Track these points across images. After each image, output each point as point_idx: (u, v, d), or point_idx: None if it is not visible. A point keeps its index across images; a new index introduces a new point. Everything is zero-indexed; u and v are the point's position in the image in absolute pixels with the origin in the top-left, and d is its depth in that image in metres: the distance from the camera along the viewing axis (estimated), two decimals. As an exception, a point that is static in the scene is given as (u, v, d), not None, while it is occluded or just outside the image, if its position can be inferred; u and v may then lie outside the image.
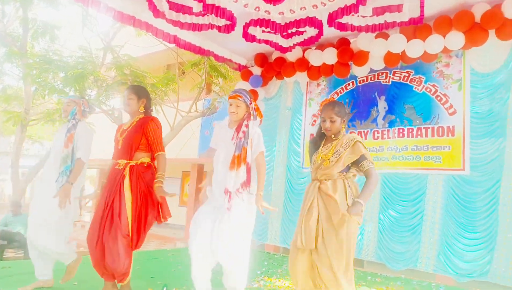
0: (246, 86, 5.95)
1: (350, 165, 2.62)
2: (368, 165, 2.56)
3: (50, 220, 3.01)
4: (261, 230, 6.31)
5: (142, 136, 2.91)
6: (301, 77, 5.70)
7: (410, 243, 4.72)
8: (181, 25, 4.08)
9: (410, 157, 4.90)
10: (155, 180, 2.85)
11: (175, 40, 4.88)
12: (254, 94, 5.93)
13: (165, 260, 4.55)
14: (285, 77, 5.80)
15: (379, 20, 4.16)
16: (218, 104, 7.25)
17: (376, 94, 5.33)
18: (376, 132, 5.23)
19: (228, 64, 5.99)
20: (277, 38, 4.71)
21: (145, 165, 2.89)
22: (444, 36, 4.34)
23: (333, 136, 2.70)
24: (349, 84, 5.58)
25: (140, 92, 3.06)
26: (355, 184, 2.65)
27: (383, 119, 5.21)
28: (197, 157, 8.88)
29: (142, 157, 2.91)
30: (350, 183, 2.61)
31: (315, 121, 5.87)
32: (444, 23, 4.30)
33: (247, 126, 2.70)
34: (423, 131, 4.86)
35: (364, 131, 5.36)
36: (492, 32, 4.14)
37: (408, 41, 4.53)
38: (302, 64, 5.48)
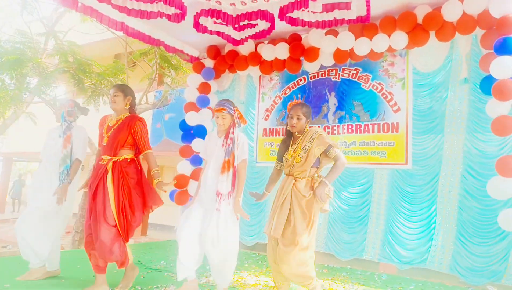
0: (198, 78, 5.83)
1: (319, 157, 2.90)
2: (335, 151, 2.86)
3: (45, 217, 3.26)
4: (254, 230, 6.24)
5: (129, 135, 3.08)
6: (254, 71, 5.69)
7: (357, 233, 4.92)
8: (128, 11, 3.90)
9: (358, 152, 5.08)
10: (153, 178, 3.10)
11: (123, 28, 4.66)
12: (206, 87, 5.83)
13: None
14: (238, 71, 5.76)
15: (328, 16, 4.24)
16: (169, 96, 7.06)
17: (326, 90, 5.46)
18: (327, 128, 5.36)
19: (179, 55, 5.83)
20: (229, 30, 4.65)
21: (128, 160, 3.07)
22: (389, 36, 4.51)
23: (297, 133, 2.98)
24: (300, 80, 5.66)
25: (126, 90, 3.22)
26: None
27: (333, 115, 5.35)
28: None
29: (126, 154, 3.08)
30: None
31: (268, 116, 5.90)
32: (389, 23, 4.47)
33: (233, 133, 3.02)
34: (370, 127, 5.05)
35: (316, 127, 5.46)
36: (432, 34, 4.37)
37: (356, 39, 4.66)
38: (255, 58, 5.46)
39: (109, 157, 3.04)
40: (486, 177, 4.08)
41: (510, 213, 3.63)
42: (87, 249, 2.98)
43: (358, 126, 5.14)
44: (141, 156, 3.20)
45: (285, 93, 5.78)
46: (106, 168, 2.99)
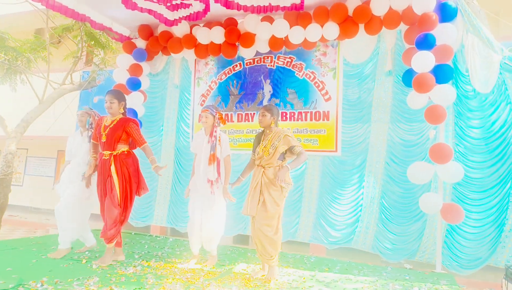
0: (129, 59, 5.51)
1: (284, 154, 3.47)
2: (298, 149, 3.42)
3: (80, 202, 3.94)
4: (146, 211, 6.05)
5: (123, 133, 3.70)
6: (189, 54, 5.52)
7: (291, 217, 5.07)
8: (46, -20, 3.53)
9: (292, 139, 5.18)
10: (152, 164, 3.70)
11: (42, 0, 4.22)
12: (138, 68, 5.53)
13: (27, 250, 4.02)
14: (172, 53, 5.54)
15: (264, 2, 4.23)
16: (98, 77, 6.60)
17: (262, 77, 5.46)
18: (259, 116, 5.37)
19: (108, 33, 5.44)
20: (161, 9, 4.45)
21: (126, 153, 3.72)
22: (322, 26, 4.62)
23: (268, 131, 3.52)
24: (236, 66, 5.60)
25: (120, 97, 3.79)
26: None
27: (268, 102, 5.38)
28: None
29: (122, 147, 3.71)
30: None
31: (203, 101, 5.78)
32: (322, 14, 4.57)
33: (216, 131, 3.77)
34: (303, 115, 5.17)
35: (251, 114, 5.47)
36: (362, 26, 4.55)
37: (291, 27, 4.71)
38: (190, 40, 5.29)
39: (110, 152, 3.66)
40: (406, 164, 4.41)
41: (430, 197, 3.95)
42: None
43: (292, 114, 5.24)
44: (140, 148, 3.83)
45: (221, 79, 5.69)
46: (110, 161, 3.62)
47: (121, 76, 5.48)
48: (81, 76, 6.99)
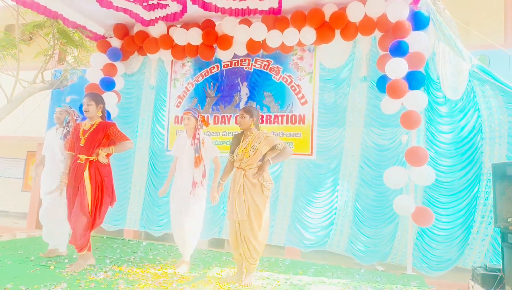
0: (103, 58, 5.39)
1: (265, 154, 3.38)
2: (282, 145, 3.37)
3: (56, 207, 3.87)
4: (119, 214, 5.91)
5: (104, 138, 3.58)
6: (166, 55, 5.44)
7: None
8: (15, -25, 3.40)
9: (268, 142, 5.18)
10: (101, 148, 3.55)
11: (11, -6, 4.07)
12: (112, 68, 5.41)
13: (-10, 255, 3.84)
14: (148, 54, 5.45)
15: (242, 5, 4.23)
16: (71, 76, 6.41)
17: (239, 79, 5.45)
18: (239, 117, 5.35)
19: (81, 31, 5.30)
20: (137, 9, 4.38)
21: (104, 164, 3.56)
22: (299, 30, 4.66)
23: (248, 133, 3.44)
24: (214, 68, 5.57)
25: (98, 99, 3.69)
26: (267, 171, 3.41)
27: (245, 104, 5.37)
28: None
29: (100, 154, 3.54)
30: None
31: (180, 102, 5.71)
32: (299, 18, 4.61)
33: (198, 134, 3.75)
34: (279, 118, 5.19)
35: (227, 116, 5.44)
36: (338, 32, 4.62)
37: (268, 30, 4.73)
38: (166, 41, 5.23)
39: (86, 157, 3.50)
40: (380, 168, 4.50)
41: (403, 199, 4.04)
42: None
43: (268, 117, 5.25)
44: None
45: (197, 80, 5.64)
46: (84, 167, 3.48)
47: (95, 76, 5.34)
48: (53, 75, 6.77)
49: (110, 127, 3.63)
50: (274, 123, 5.21)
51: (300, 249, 4.93)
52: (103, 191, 3.56)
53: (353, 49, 4.90)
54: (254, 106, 3.62)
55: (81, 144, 3.55)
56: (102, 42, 5.42)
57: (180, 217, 3.68)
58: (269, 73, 5.31)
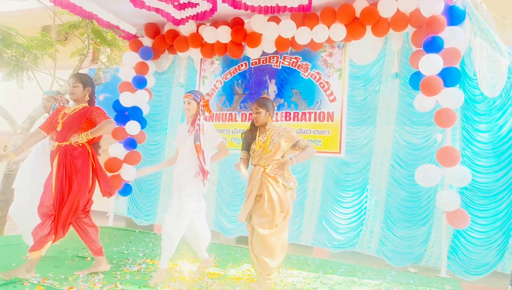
0: (135, 57, 5.52)
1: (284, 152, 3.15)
2: (304, 143, 3.14)
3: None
4: (149, 210, 6.06)
5: (83, 123, 3.09)
6: (195, 53, 5.51)
7: (294, 219, 5.01)
8: (54, -22, 3.54)
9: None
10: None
11: (49, -4, 4.24)
12: (144, 67, 5.54)
13: (31, 246, 4.03)
14: (178, 52, 5.54)
15: (271, 2, 4.22)
16: (104, 75, 6.62)
17: (267, 77, 5.45)
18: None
19: (114, 31, 5.46)
20: (168, 8, 4.45)
21: (75, 145, 3.04)
22: (329, 27, 4.60)
23: (266, 127, 3.20)
24: (242, 65, 5.60)
25: (86, 81, 3.24)
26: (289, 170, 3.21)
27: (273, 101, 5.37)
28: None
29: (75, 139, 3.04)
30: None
31: (208, 100, 5.76)
32: (329, 15, 4.55)
33: (199, 119, 3.26)
34: (307, 115, 5.16)
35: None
36: (369, 28, 4.53)
37: (297, 27, 4.70)
38: (196, 39, 5.29)
39: (58, 143, 3.07)
40: (412, 167, 4.38)
41: (448, 194, 3.87)
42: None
43: (296, 114, 5.23)
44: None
45: (226, 78, 5.69)
46: (55, 153, 3.05)
47: (127, 74, 5.48)
48: (88, 74, 7.01)
49: (93, 111, 3.13)
50: (301, 120, 5.18)
51: (329, 249, 4.87)
52: (71, 181, 2.99)
53: (384, 45, 4.79)
54: (267, 96, 3.28)
55: (58, 129, 3.11)
56: (134, 41, 5.55)
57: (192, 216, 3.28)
58: (297, 70, 5.28)
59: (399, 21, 4.33)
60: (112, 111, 5.61)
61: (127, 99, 5.36)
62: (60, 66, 6.70)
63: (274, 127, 3.18)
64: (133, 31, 5.65)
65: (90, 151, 3.13)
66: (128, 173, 5.26)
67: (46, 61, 6.54)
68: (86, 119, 3.09)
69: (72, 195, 2.98)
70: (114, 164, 5.15)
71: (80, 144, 3.05)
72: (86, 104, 3.21)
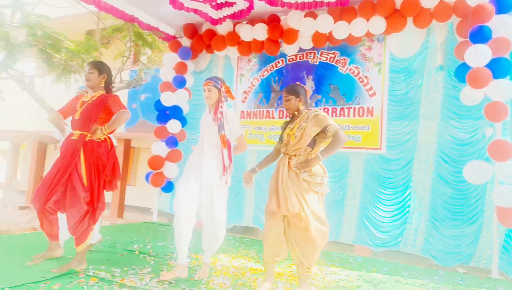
0: (174, 57, 5.68)
1: (316, 138, 2.84)
2: (333, 128, 2.75)
3: None
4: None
5: (102, 111, 3.07)
6: (232, 52, 5.59)
7: (333, 217, 4.98)
8: (100, -16, 3.71)
9: (333, 136, 5.10)
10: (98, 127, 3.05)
11: (94, 1, 4.45)
12: (183, 67, 5.69)
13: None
14: (215, 51, 5.63)
15: (308, -2, 4.19)
16: (145, 76, 6.85)
17: (304, 73, 5.43)
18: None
19: (155, 33, 5.64)
20: (206, 8, 4.54)
21: (98, 141, 3.06)
22: (367, 20, 4.50)
23: (296, 113, 2.95)
24: (278, 62, 5.60)
25: (101, 67, 3.19)
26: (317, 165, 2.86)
27: (310, 98, 5.34)
28: (124, 131, 8.41)
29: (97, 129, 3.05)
30: None
31: (245, 98, 5.84)
32: (368, 8, 4.45)
33: (222, 107, 3.03)
34: (346, 111, 5.08)
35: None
36: (410, 20, 4.39)
37: (335, 22, 4.63)
38: (233, 38, 5.36)
39: (80, 132, 3.03)
40: (459, 163, 4.21)
41: (506, 190, 3.63)
42: (41, 215, 3.08)
43: (334, 110, 5.17)
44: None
45: (263, 75, 5.72)
46: (78, 148, 3.00)
47: (167, 74, 5.65)
48: (130, 75, 7.29)
49: (110, 99, 3.10)
50: (340, 116, 5.11)
51: (371, 248, 4.78)
52: (100, 175, 3.05)
53: (426, 37, 4.62)
54: (298, 84, 3.03)
55: (76, 118, 3.08)
56: (174, 42, 5.71)
57: (207, 209, 3.12)
58: (335, 65, 5.21)
59: (443, 11, 4.16)
60: (153, 111, 5.82)
61: (168, 99, 5.53)
62: (104, 69, 7.01)
63: (304, 112, 2.91)
64: (172, 32, 5.81)
65: (109, 142, 3.14)
66: (170, 170, 5.44)
67: (91, 64, 6.87)
68: (104, 108, 3.07)
69: (101, 188, 3.09)
70: (157, 162, 5.35)
71: (102, 139, 3.08)
72: (103, 92, 3.18)
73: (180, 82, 5.62)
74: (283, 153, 2.94)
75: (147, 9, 5.09)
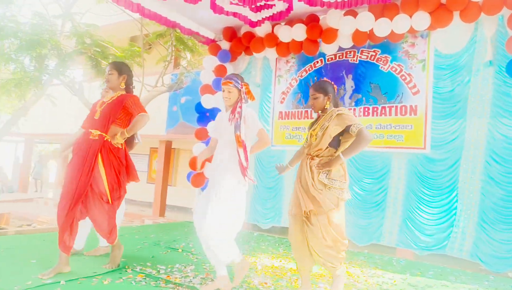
0: (214, 60, 5.80)
1: (340, 138, 2.69)
2: (356, 128, 2.60)
3: None
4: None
5: (121, 111, 3.05)
6: (270, 53, 5.62)
7: (374, 219, 4.88)
8: (145, -8, 3.87)
9: (374, 136, 4.98)
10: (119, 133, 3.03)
11: (139, 9, 4.65)
12: (223, 69, 5.80)
13: (130, 237, 4.47)
14: (254, 53, 5.69)
15: (348, -4, 4.13)
16: (185, 79, 7.05)
17: (343, 72, 5.35)
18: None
19: (195, 37, 5.79)
20: (245, 11, 4.60)
21: (116, 146, 3.07)
22: (410, 16, 4.37)
23: (320, 112, 2.81)
24: (317, 62, 5.56)
25: (121, 68, 3.19)
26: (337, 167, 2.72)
27: (350, 98, 5.26)
28: (165, 133, 8.69)
29: (115, 131, 3.05)
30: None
31: (284, 98, 5.84)
32: (411, 3, 4.32)
33: (240, 107, 2.83)
34: (387, 109, 4.95)
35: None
36: (456, 14, 4.21)
37: (376, 20, 4.53)
38: (271, 39, 5.38)
39: (99, 133, 3.01)
40: (510, 163, 3.98)
41: None
42: (65, 227, 2.89)
43: (375, 109, 5.05)
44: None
45: (301, 76, 5.70)
46: (96, 149, 2.97)
47: (207, 77, 5.78)
48: (171, 79, 7.53)
49: (128, 99, 3.08)
50: (381, 115, 4.99)
51: (415, 251, 4.62)
52: (120, 176, 3.09)
53: (474, 31, 4.41)
54: (326, 80, 2.86)
55: (96, 117, 3.06)
56: (213, 46, 5.83)
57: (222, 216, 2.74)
58: (376, 63, 5.09)
59: (493, 3, 3.97)
60: (193, 113, 5.97)
61: (208, 101, 5.65)
62: (146, 73, 7.29)
63: (329, 112, 2.75)
64: (211, 36, 5.94)
65: (124, 145, 3.15)
66: (210, 171, 5.54)
67: (135, 69, 7.17)
68: (123, 108, 3.06)
69: (121, 194, 3.13)
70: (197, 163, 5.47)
71: (121, 145, 3.09)
72: (123, 92, 3.17)
73: (219, 85, 5.71)
74: (306, 154, 2.83)
75: (188, 14, 5.24)
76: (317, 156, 2.71)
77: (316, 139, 2.70)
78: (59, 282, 2.68)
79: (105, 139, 3.00)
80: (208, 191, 2.86)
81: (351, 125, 2.61)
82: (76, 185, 2.90)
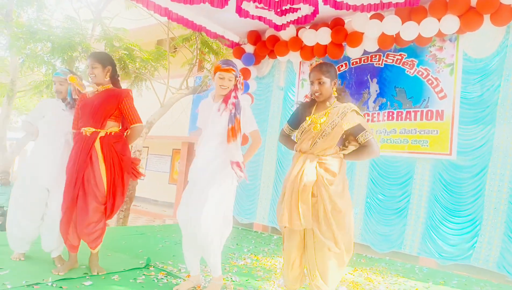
0: (239, 64, 5.86)
1: (343, 136, 2.37)
2: (367, 137, 2.30)
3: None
4: (250, 209, 6.35)
5: (116, 109, 2.83)
6: (294, 56, 5.63)
7: (395, 226, 4.79)
8: (173, -3, 3.97)
9: (398, 141, 4.92)
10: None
11: (167, 13, 4.76)
12: (246, 72, 5.85)
13: (152, 236, 4.57)
14: (278, 56, 5.72)
15: (374, 0, 4.10)
16: (209, 82, 7.15)
17: (368, 76, 5.29)
18: (366, 115, 5.22)
19: (220, 40, 5.88)
20: (270, 15, 4.64)
21: (115, 135, 2.85)
22: (439, 20, 4.29)
23: (327, 103, 2.40)
24: (342, 66, 5.53)
25: (104, 60, 2.88)
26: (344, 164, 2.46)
27: (374, 102, 5.20)
28: (188, 135, 8.83)
29: (112, 126, 2.86)
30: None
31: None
32: (439, 6, 4.24)
33: (236, 97, 2.55)
34: (412, 114, 4.87)
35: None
36: (487, 17, 4.11)
37: (402, 23, 4.48)
38: (296, 43, 5.40)
39: (94, 130, 2.79)
40: (540, 172, 3.84)
41: None
42: (64, 235, 2.79)
43: (400, 113, 4.97)
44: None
45: (325, 80, 5.67)
46: (94, 145, 2.76)
47: (231, 80, 5.84)
48: (195, 81, 7.65)
49: (124, 99, 2.84)
50: (406, 120, 4.90)
51: (437, 261, 4.49)
52: (122, 172, 2.85)
53: (506, 35, 4.27)
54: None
55: (86, 115, 2.82)
56: (238, 49, 5.90)
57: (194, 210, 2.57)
58: (402, 67, 5.01)
59: (525, 6, 3.84)
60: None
61: (231, 104, 5.70)
62: (171, 76, 7.44)
63: (338, 104, 2.39)
64: (236, 39, 6.01)
65: (126, 142, 2.95)
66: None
67: (161, 71, 7.33)
68: (117, 108, 2.83)
69: (124, 192, 2.90)
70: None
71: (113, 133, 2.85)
72: (110, 85, 2.91)
73: (244, 88, 5.78)
74: (303, 152, 2.38)
75: (214, 18, 5.33)
76: (323, 155, 2.33)
77: (321, 132, 2.31)
78: (85, 276, 2.76)
79: (103, 134, 2.78)
80: (201, 187, 2.54)
81: (364, 131, 2.31)
82: (73, 188, 2.75)
